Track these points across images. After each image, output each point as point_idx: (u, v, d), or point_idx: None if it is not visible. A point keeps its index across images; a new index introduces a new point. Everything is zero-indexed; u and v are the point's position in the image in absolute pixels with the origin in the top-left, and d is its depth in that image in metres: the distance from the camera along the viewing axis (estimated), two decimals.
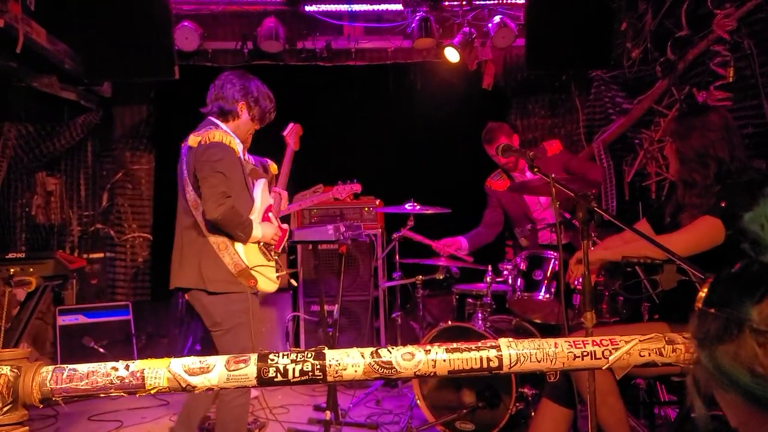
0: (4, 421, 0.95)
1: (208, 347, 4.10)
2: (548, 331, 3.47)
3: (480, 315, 3.45)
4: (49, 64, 4.22)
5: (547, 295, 3.25)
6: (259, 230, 2.86)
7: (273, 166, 4.25)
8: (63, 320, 4.57)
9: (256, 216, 2.96)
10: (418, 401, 3.37)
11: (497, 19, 4.96)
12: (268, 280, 2.93)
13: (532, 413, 3.02)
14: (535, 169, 2.12)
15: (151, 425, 3.75)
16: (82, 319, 4.64)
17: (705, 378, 0.65)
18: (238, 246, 2.83)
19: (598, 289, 3.05)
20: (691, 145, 2.28)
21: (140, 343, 4.88)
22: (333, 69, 5.26)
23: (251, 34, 5.02)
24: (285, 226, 3.20)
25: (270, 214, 3.10)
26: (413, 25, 5.05)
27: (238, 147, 2.91)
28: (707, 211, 2.20)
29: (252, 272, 2.81)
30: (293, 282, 3.53)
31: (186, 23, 4.80)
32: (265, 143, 3.92)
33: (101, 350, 4.57)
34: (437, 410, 3.33)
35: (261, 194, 3.05)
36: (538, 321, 3.50)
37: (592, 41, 4.74)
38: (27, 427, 0.97)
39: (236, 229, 2.75)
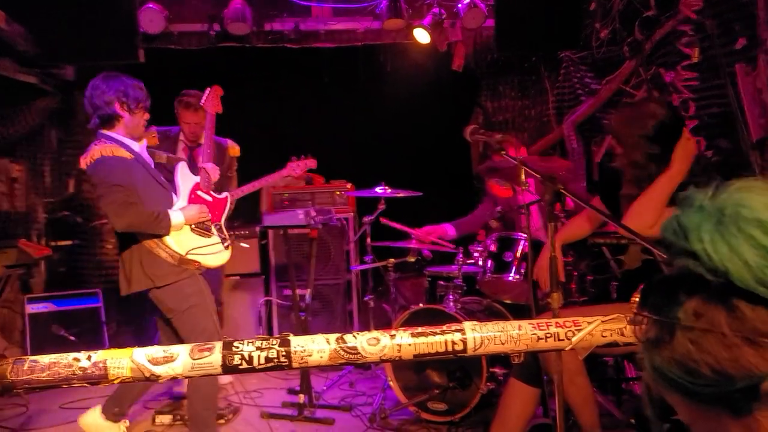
0: None
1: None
2: (519, 311, 3.52)
3: (451, 297, 3.48)
4: (3, 45, 4.09)
5: (517, 276, 3.30)
6: (178, 216, 2.92)
7: (232, 148, 4.21)
8: (32, 308, 4.49)
9: (180, 201, 3.05)
10: (391, 383, 3.41)
11: None
12: (211, 255, 3.02)
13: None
14: (503, 153, 2.13)
15: None
16: (51, 307, 4.57)
17: (652, 382, 0.69)
18: (167, 239, 2.89)
19: (566, 269, 3.10)
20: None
21: (111, 331, 4.82)
22: (301, 51, 5.19)
23: (218, 16, 4.92)
24: (225, 194, 3.31)
25: (199, 192, 3.17)
26: (382, 5, 5.01)
27: (132, 148, 2.94)
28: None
29: (189, 257, 2.91)
30: (244, 245, 3.52)
31: (150, 5, 4.68)
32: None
33: (71, 338, 4.50)
34: (410, 391, 3.37)
35: (182, 177, 3.15)
36: (508, 301, 3.55)
37: (562, 22, 4.74)
38: None
39: (151, 228, 2.82)
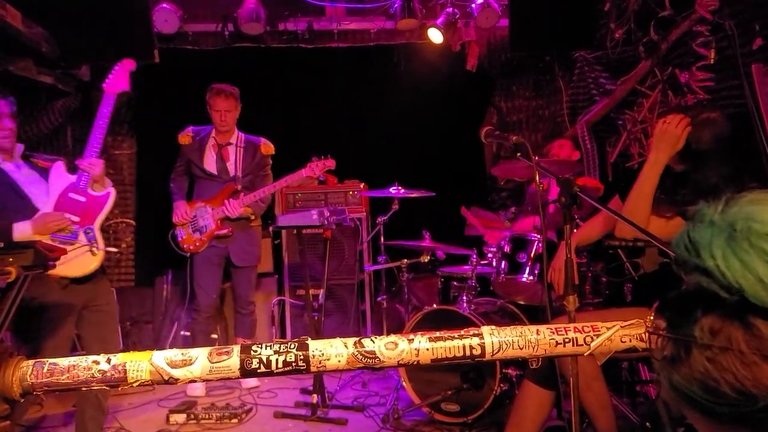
0: None
1: (194, 335, 4.13)
2: (532, 312, 3.50)
3: (465, 298, 3.48)
4: (25, 47, 4.14)
5: (531, 277, 3.29)
6: (24, 228, 2.72)
7: (265, 146, 4.23)
8: None
9: (47, 206, 2.86)
10: (404, 383, 3.40)
11: None
12: (71, 263, 2.80)
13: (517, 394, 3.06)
14: (518, 155, 2.12)
15: (138, 411, 3.75)
16: None
17: (670, 399, 0.67)
18: None
19: (581, 270, 3.08)
20: None
21: (125, 329, 4.85)
22: (315, 51, 5.20)
23: (232, 16, 4.94)
24: (105, 192, 3.07)
25: (72, 194, 2.95)
26: (396, 5, 5.01)
27: None
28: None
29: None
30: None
31: (165, 5, 4.72)
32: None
33: None
34: (423, 392, 3.37)
35: (55, 179, 2.97)
36: (522, 303, 3.54)
37: (576, 21, 4.72)
38: (8, 422, 0.96)
39: None
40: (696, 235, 0.64)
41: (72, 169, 3.07)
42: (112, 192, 3.09)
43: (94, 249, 2.89)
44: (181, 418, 3.45)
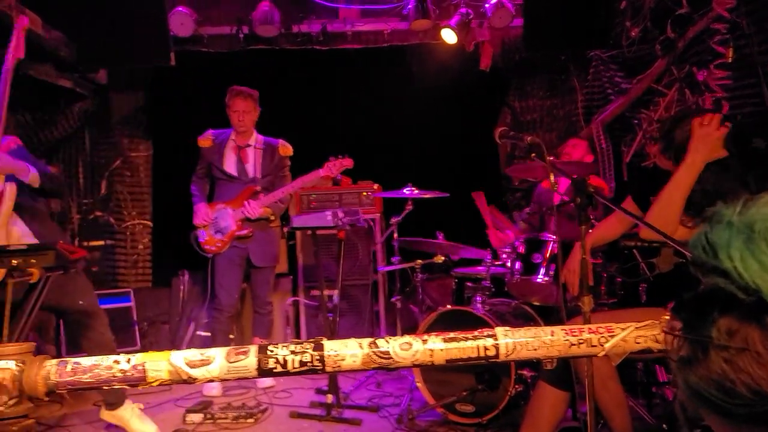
0: (10, 413, 0.96)
1: (215, 335, 4.17)
2: (547, 313, 3.49)
3: (479, 298, 3.48)
4: (44, 52, 4.20)
5: (546, 278, 3.28)
6: None
7: (283, 147, 4.26)
8: None
9: None
10: (418, 384, 3.41)
11: None
12: None
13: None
14: (533, 155, 2.12)
15: (156, 410, 3.79)
16: None
17: (687, 400, 0.68)
18: None
19: (596, 270, 3.07)
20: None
21: (142, 330, 4.90)
22: (329, 53, 5.23)
23: (246, 19, 4.98)
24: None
25: None
26: (410, 6, 5.01)
27: None
28: None
29: None
30: None
31: (180, 8, 4.76)
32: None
33: None
34: (437, 392, 3.37)
35: None
36: (537, 303, 3.53)
37: (591, 20, 4.70)
38: (33, 420, 0.99)
39: None
40: (714, 237, 0.64)
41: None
42: (8, 188, 2.76)
43: None
44: (197, 417, 3.48)
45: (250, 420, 3.47)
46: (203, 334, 4.76)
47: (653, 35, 4.57)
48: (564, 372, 2.33)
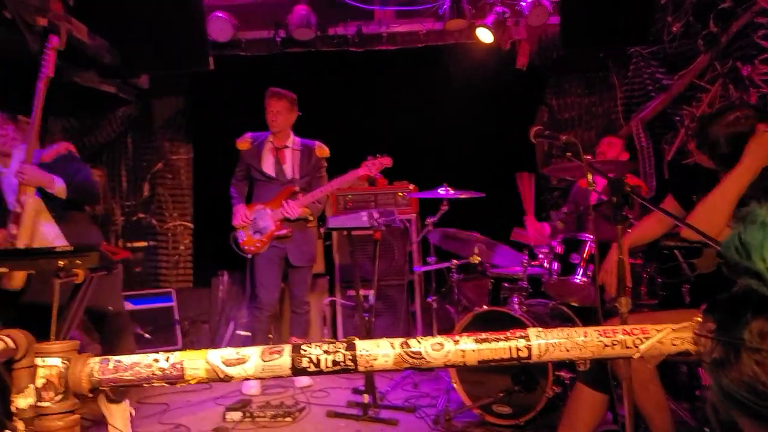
0: (57, 409, 1.00)
1: (255, 333, 4.24)
2: (586, 314, 3.44)
3: (516, 299, 3.45)
4: (88, 59, 4.33)
5: (584, 279, 3.23)
6: None
7: (320, 149, 4.30)
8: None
9: None
10: (455, 384, 3.40)
11: None
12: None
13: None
14: (568, 155, 2.10)
15: (197, 408, 3.87)
16: (128, 306, 4.79)
17: (719, 403, 0.67)
18: None
19: (636, 271, 3.01)
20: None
21: (184, 329, 5.02)
22: (364, 54, 5.26)
23: (283, 23, 5.05)
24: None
25: (18, 208, 3.08)
26: (445, 6, 5.01)
27: None
28: None
29: None
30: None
31: (219, 13, 4.86)
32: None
33: (147, 336, 4.72)
34: (474, 393, 3.36)
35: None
36: (575, 304, 3.48)
37: (631, 16, 4.60)
38: (78, 415, 1.03)
39: None
40: (747, 237, 0.63)
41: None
42: (27, 202, 3.06)
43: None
44: (237, 415, 3.54)
45: (288, 419, 3.51)
46: (242, 333, 4.84)
47: (695, 30, 4.47)
48: (601, 374, 2.30)
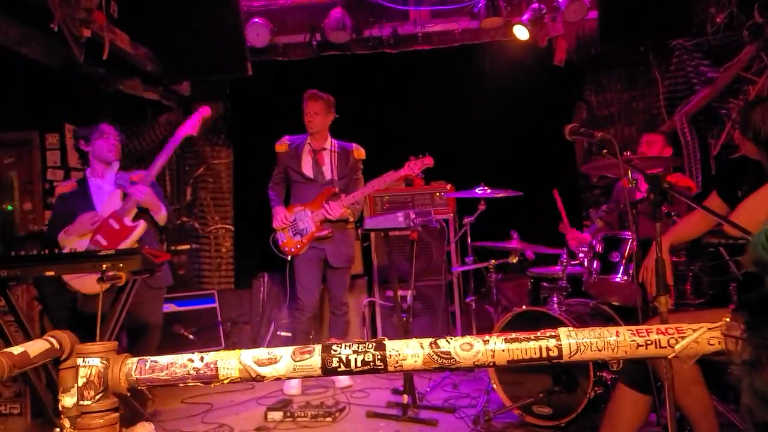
0: (97, 407, 1.04)
1: (296, 334, 4.29)
2: (628, 313, 3.37)
3: (555, 299, 3.41)
4: (132, 67, 4.47)
5: (625, 277, 3.16)
6: (65, 234, 3.33)
7: (357, 151, 4.34)
8: None
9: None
10: (494, 385, 3.37)
11: None
12: (80, 281, 3.24)
13: None
14: (604, 152, 2.06)
15: (239, 408, 3.94)
16: (172, 307, 4.91)
17: (753, 405, 0.64)
18: None
19: (680, 269, 2.94)
20: None
21: (226, 329, 5.11)
22: (400, 55, 5.26)
23: (319, 26, 5.09)
24: (135, 223, 3.47)
25: (111, 220, 3.42)
26: (480, 4, 4.98)
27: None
28: None
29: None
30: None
31: (256, 19, 4.94)
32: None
33: (190, 337, 4.83)
34: (514, 394, 3.32)
35: (108, 204, 3.50)
36: (616, 303, 3.41)
37: (672, 8, 4.49)
38: (117, 414, 1.06)
39: None
40: None
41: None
42: (141, 225, 3.46)
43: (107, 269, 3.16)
44: (278, 415, 3.59)
45: (329, 419, 3.54)
46: (283, 334, 4.90)
47: (740, 21, 4.34)
48: (642, 374, 2.25)
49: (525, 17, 4.89)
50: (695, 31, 4.62)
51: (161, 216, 3.62)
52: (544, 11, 4.91)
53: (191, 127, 3.64)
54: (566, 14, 4.81)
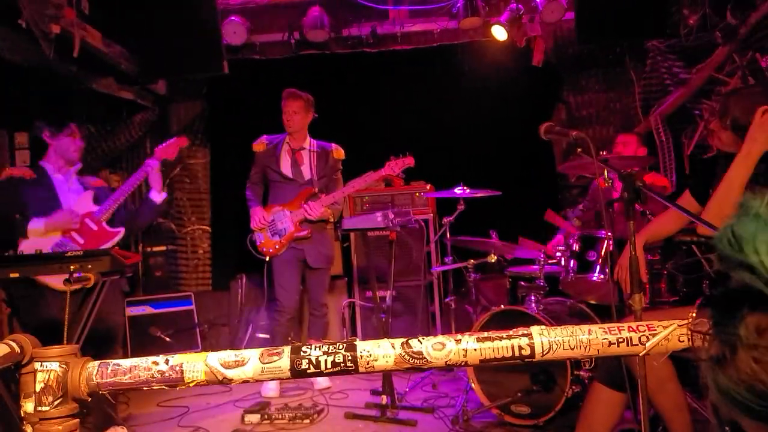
0: (56, 413, 1.01)
1: (275, 336, 4.25)
2: (604, 311, 3.40)
3: (533, 298, 3.41)
4: (105, 65, 4.39)
5: (602, 276, 3.19)
6: (38, 224, 3.18)
7: (336, 151, 4.31)
8: (131, 311, 4.79)
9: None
10: (473, 384, 3.37)
11: None
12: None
13: None
14: (579, 150, 2.07)
15: (216, 410, 3.89)
16: (148, 309, 4.84)
17: (719, 403, 0.63)
18: None
19: (655, 268, 2.96)
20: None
21: (203, 332, 5.05)
22: (379, 54, 5.24)
23: (297, 25, 5.06)
24: (116, 228, 3.39)
25: (88, 220, 3.32)
26: (459, 4, 4.98)
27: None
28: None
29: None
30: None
31: (233, 17, 4.88)
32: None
33: (167, 339, 4.76)
34: (492, 393, 3.32)
35: (80, 204, 3.39)
36: (593, 302, 3.43)
37: (646, 10, 4.53)
38: (77, 419, 1.03)
39: None
40: (739, 229, 0.60)
41: (96, 199, 3.44)
42: (122, 231, 3.40)
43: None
44: (255, 418, 3.55)
45: (307, 421, 3.51)
46: (262, 336, 4.86)
47: (713, 22, 4.39)
48: (618, 372, 2.26)
49: (503, 17, 4.90)
50: (669, 33, 4.66)
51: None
52: (522, 12, 4.92)
53: (171, 152, 3.60)
54: (544, 15, 4.83)
